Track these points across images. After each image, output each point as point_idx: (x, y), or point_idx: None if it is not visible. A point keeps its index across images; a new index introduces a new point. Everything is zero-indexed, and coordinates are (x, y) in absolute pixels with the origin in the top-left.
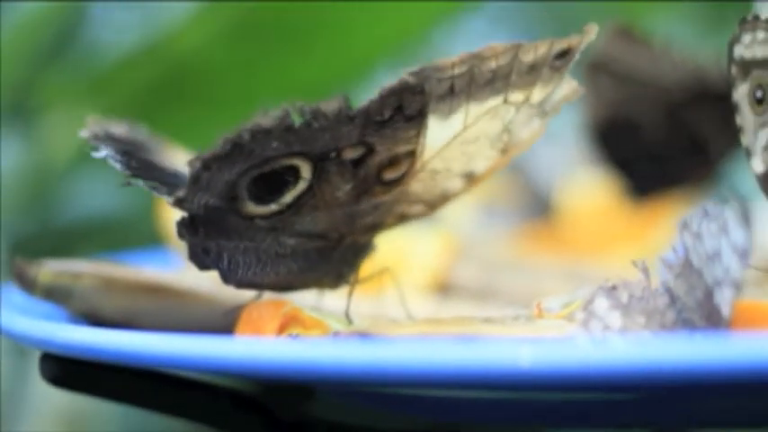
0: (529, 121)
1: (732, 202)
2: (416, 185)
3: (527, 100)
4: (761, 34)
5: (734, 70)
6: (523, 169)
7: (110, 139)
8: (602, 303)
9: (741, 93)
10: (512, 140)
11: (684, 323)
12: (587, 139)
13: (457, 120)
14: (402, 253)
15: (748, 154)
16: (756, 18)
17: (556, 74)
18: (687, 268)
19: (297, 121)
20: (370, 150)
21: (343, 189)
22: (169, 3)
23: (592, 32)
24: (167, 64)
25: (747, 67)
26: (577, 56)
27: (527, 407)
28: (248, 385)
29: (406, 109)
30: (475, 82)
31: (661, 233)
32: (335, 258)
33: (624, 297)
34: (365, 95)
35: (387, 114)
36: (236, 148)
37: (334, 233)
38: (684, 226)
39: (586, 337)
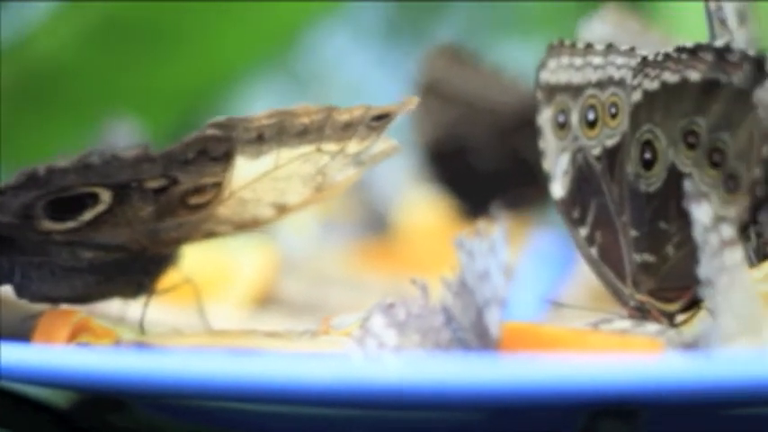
0: (344, 168)
1: (500, 221)
2: (224, 210)
3: (341, 151)
4: (565, 60)
5: (539, 95)
6: (362, 185)
7: None
8: (378, 321)
9: (545, 117)
10: (326, 182)
11: (459, 342)
12: (420, 159)
13: (267, 160)
14: (224, 265)
15: (549, 178)
16: (561, 43)
17: (373, 132)
18: (463, 287)
19: (96, 161)
20: (174, 181)
21: (146, 210)
22: (26, 3)
23: (412, 103)
24: (23, 67)
25: (552, 91)
26: (395, 119)
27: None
28: (60, 395)
29: (211, 152)
30: (286, 132)
31: None
32: (136, 269)
33: (401, 315)
34: (230, 101)
35: (191, 156)
36: (30, 180)
37: (135, 245)
38: (460, 245)
39: (358, 354)
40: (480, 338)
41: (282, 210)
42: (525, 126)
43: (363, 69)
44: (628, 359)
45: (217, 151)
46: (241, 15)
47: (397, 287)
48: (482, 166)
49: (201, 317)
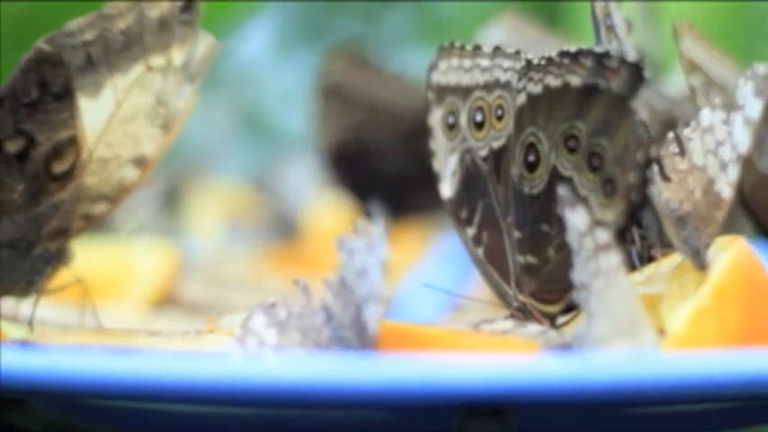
0: (179, 90)
1: (378, 219)
2: (91, 179)
3: (169, 64)
4: (455, 61)
5: (430, 95)
6: (270, 189)
7: None
8: (259, 320)
9: (435, 118)
10: (169, 113)
11: (339, 341)
12: (324, 162)
13: (107, 97)
14: (125, 266)
15: (439, 178)
16: (452, 45)
17: (188, 30)
18: (343, 285)
19: None
20: (31, 141)
21: (18, 190)
22: None
23: None
24: None
25: (442, 92)
26: (201, 8)
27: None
28: None
29: (52, 85)
30: (111, 49)
31: (399, 257)
32: (25, 268)
33: (282, 314)
34: None
35: (34, 94)
36: None
37: (22, 242)
38: (341, 244)
39: (238, 352)
40: (359, 336)
41: (143, 164)
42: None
43: (278, 70)
44: (495, 359)
45: (56, 84)
46: None
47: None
48: (386, 169)
49: (92, 316)
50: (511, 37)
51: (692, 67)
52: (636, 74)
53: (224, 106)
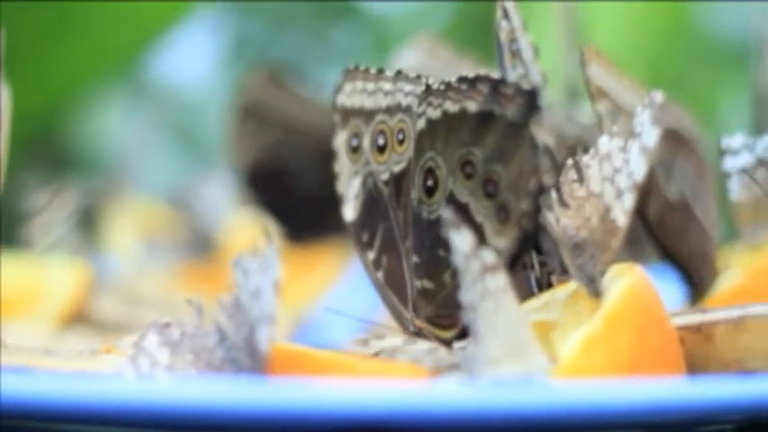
0: None
1: (273, 239)
2: None
3: None
4: (359, 84)
5: (336, 118)
6: (188, 206)
7: None
8: (152, 340)
9: (340, 140)
10: None
11: (232, 362)
12: (240, 181)
13: None
14: (35, 282)
15: (342, 200)
16: (356, 68)
17: None
18: (237, 306)
19: None
20: None
21: None
22: None
23: None
24: None
25: (347, 115)
26: None
27: None
28: None
29: None
30: None
31: (317, 278)
32: None
33: (176, 334)
34: (77, 115)
35: None
36: None
37: None
38: (236, 264)
39: (130, 372)
40: (251, 357)
41: None
42: None
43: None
44: (379, 384)
45: None
46: (83, 32)
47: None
48: (302, 189)
49: None
50: (424, 60)
51: (600, 94)
52: (531, 101)
53: (150, 120)
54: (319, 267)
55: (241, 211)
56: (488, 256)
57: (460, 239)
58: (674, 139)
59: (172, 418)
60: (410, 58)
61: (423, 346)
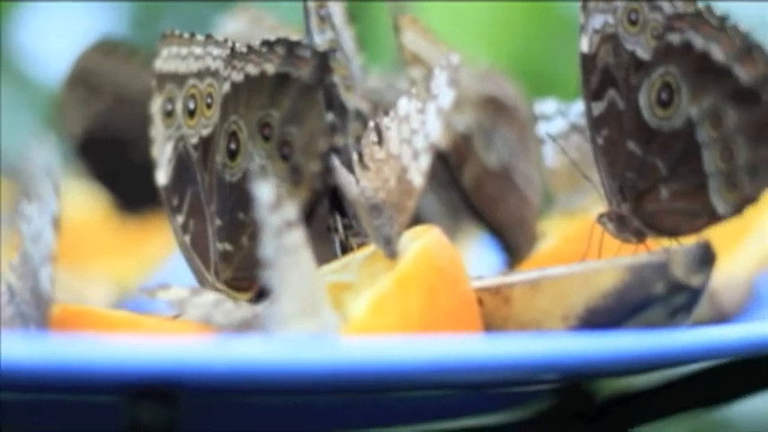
0: None
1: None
2: None
3: None
4: (174, 49)
5: (153, 83)
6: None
7: None
8: None
9: (156, 105)
10: None
11: (21, 317)
12: (70, 151)
13: None
14: None
15: (156, 165)
16: (172, 33)
17: None
18: (23, 259)
19: None
20: None
21: None
22: None
23: None
24: None
25: (163, 79)
26: None
27: None
28: None
29: None
30: None
31: (153, 248)
32: None
33: None
34: None
35: None
36: None
37: None
38: (20, 213)
39: None
40: (37, 307)
41: None
42: None
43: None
44: (164, 341)
45: None
46: None
47: None
48: (135, 159)
49: None
50: (248, 28)
51: (414, 60)
52: (323, 63)
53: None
54: (153, 238)
55: (70, 181)
56: (290, 211)
57: (263, 192)
58: (494, 107)
59: None
60: (234, 25)
61: (209, 297)
